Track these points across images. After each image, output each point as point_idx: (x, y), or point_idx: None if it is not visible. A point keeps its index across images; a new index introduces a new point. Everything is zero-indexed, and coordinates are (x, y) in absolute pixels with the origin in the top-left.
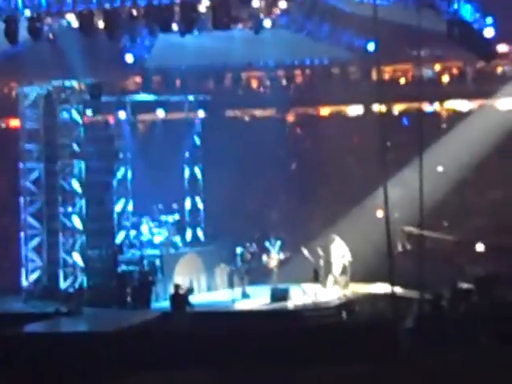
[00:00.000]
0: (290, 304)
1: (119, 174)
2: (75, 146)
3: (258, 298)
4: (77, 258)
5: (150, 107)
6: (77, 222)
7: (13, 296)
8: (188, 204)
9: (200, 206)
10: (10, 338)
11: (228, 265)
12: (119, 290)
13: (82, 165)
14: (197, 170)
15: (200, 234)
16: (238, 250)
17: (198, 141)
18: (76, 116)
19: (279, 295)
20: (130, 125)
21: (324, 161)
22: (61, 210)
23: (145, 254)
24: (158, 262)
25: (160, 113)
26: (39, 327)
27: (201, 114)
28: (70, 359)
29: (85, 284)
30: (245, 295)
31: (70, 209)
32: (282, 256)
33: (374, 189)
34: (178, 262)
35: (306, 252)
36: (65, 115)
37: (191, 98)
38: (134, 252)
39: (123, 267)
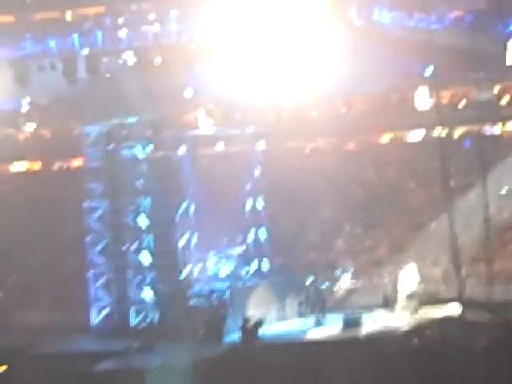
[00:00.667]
0: (362, 331)
1: (182, 209)
2: (139, 183)
3: (331, 326)
4: (147, 293)
5: (210, 141)
6: (145, 259)
7: (83, 335)
8: (252, 236)
9: (264, 237)
10: (84, 376)
11: (297, 295)
12: (191, 324)
13: (147, 201)
14: (259, 202)
15: (265, 265)
16: (308, 279)
17: (258, 172)
18: (138, 153)
19: (351, 322)
20: (190, 159)
21: (387, 187)
22: (128, 247)
23: (214, 288)
24: (226, 295)
25: (220, 146)
26: (113, 364)
27: (260, 145)
28: None
29: (156, 319)
30: (319, 323)
31: (137, 245)
32: (351, 284)
33: (439, 213)
34: (248, 295)
35: (375, 278)
36: (127, 152)
37: (250, 130)
38: (202, 286)
39: (193, 302)
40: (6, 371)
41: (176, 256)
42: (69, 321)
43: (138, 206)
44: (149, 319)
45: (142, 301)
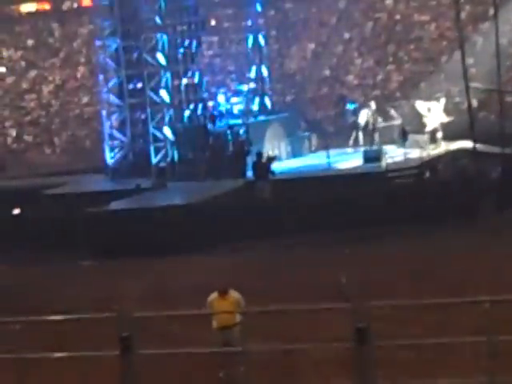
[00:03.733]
0: (381, 165)
1: (194, 46)
2: (157, 19)
3: (347, 161)
4: (167, 131)
5: None
6: (164, 96)
7: (99, 174)
8: (257, 73)
9: (266, 74)
10: (96, 215)
11: (309, 131)
12: (213, 161)
13: (165, 38)
14: (261, 39)
15: (267, 102)
16: (319, 114)
17: (259, 8)
18: None
19: (372, 156)
20: None
21: (399, 21)
22: (145, 84)
23: (230, 124)
24: (242, 131)
25: None
26: (123, 204)
27: None
28: (150, 233)
29: (175, 158)
30: (335, 158)
31: (155, 83)
32: (365, 119)
33: (451, 46)
34: (261, 131)
35: (393, 113)
36: None
37: None
38: (218, 122)
39: (212, 138)
40: (21, 211)
41: (195, 93)
42: (84, 161)
43: (157, 42)
44: (169, 157)
45: (161, 139)
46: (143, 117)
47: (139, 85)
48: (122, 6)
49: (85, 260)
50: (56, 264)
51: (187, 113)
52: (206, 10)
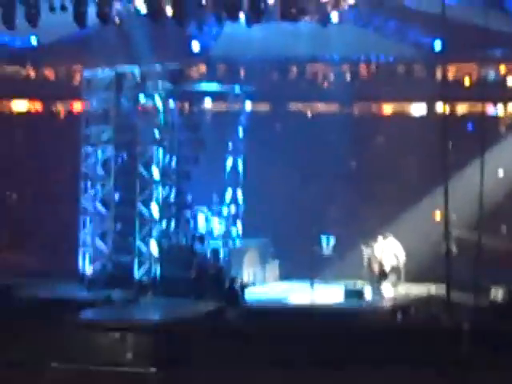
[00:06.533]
0: (362, 302)
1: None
2: (156, 133)
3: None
4: (153, 246)
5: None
6: (154, 210)
7: (72, 283)
8: (235, 196)
9: (240, 199)
10: (61, 323)
11: (280, 258)
12: (197, 282)
13: (161, 152)
14: (240, 163)
15: (242, 227)
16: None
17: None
18: (158, 102)
19: (353, 293)
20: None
21: (385, 160)
22: (135, 196)
23: (212, 247)
24: (222, 254)
25: (210, 102)
26: (93, 314)
27: (248, 105)
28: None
29: (157, 273)
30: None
31: (147, 196)
32: (335, 252)
33: (434, 190)
34: (244, 255)
35: (363, 250)
36: (145, 101)
37: (237, 89)
38: (200, 243)
39: (194, 258)
40: None
41: (186, 211)
42: (58, 267)
43: (153, 156)
44: (152, 273)
45: (148, 253)
46: (126, 229)
47: (116, 195)
48: (119, 115)
49: None
50: None
51: (165, 227)
52: (204, 129)
